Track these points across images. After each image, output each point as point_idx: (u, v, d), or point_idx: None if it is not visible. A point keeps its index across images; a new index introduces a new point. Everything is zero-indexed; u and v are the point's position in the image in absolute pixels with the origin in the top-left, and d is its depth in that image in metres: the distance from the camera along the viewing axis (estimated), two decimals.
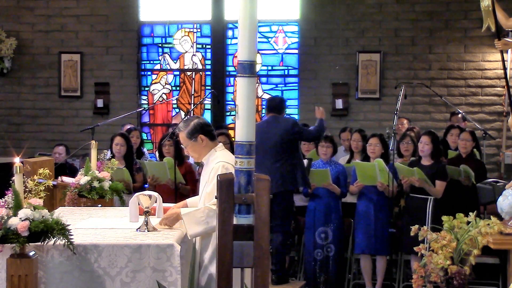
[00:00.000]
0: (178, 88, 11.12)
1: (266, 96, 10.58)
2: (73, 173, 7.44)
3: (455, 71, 10.28)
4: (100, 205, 5.58)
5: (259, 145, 7.15)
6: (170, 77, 11.14)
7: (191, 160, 7.76)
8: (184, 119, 4.87)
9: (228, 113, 10.86)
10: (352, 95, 10.50)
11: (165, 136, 7.69)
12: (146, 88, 11.14)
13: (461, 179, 7.24)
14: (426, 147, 6.93)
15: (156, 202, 4.61)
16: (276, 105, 7.34)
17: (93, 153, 5.87)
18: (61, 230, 3.86)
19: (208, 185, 4.61)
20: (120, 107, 10.66)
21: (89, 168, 5.77)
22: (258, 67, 10.49)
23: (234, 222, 3.24)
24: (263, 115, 10.53)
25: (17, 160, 3.88)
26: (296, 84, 10.81)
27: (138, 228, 4.42)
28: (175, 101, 11.10)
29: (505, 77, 5.93)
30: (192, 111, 10.24)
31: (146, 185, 7.36)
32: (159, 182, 7.26)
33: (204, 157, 4.75)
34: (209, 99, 10.84)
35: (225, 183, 3.24)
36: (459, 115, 9.07)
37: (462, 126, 8.72)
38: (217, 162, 4.61)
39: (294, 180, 7.06)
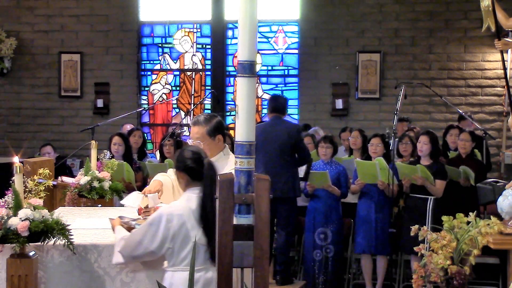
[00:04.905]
0: (178, 88, 11.12)
1: (266, 96, 10.59)
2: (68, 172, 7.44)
3: (455, 71, 10.28)
4: (100, 205, 5.58)
5: (263, 146, 7.08)
6: (170, 77, 11.14)
7: None
8: (204, 114, 4.70)
9: (228, 113, 10.86)
10: (352, 95, 10.50)
11: (166, 136, 7.69)
12: (146, 88, 11.14)
13: (460, 180, 7.24)
14: (424, 147, 6.93)
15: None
16: (279, 106, 7.30)
17: (93, 153, 5.87)
18: (61, 230, 3.86)
19: None
20: (120, 107, 10.65)
21: (89, 168, 5.76)
22: (258, 67, 10.49)
23: (234, 222, 3.24)
24: (263, 115, 10.54)
25: (17, 160, 3.88)
26: (296, 84, 10.81)
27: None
28: (175, 101, 11.10)
29: (505, 77, 5.92)
30: (192, 111, 10.25)
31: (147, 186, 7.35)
32: None
33: (213, 157, 4.51)
34: (209, 99, 10.84)
35: (225, 183, 3.24)
36: (469, 120, 8.84)
37: (471, 129, 8.62)
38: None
39: (294, 188, 7.06)
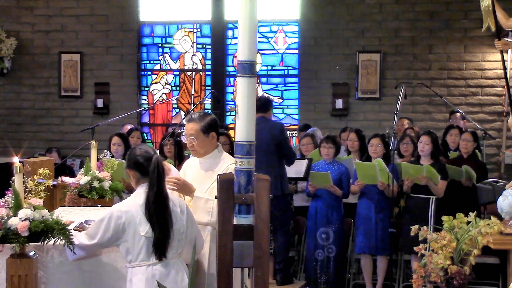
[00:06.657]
0: (178, 88, 11.12)
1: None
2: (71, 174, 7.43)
3: (455, 71, 10.27)
4: (100, 205, 5.58)
5: None
6: (170, 77, 11.14)
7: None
8: (199, 112, 4.72)
9: (228, 113, 10.86)
10: (352, 95, 10.50)
11: (166, 136, 7.69)
12: (146, 88, 11.14)
13: (462, 180, 7.24)
14: (426, 147, 6.93)
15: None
16: (262, 105, 7.27)
17: (93, 153, 5.86)
18: (61, 230, 3.86)
19: None
20: (120, 107, 10.66)
21: (89, 168, 5.76)
22: (258, 67, 10.49)
23: (234, 222, 3.24)
24: None
25: (17, 160, 3.88)
26: (296, 84, 10.80)
27: None
28: (175, 101, 11.10)
29: (505, 77, 5.93)
30: (192, 111, 10.24)
31: None
32: None
33: (207, 155, 4.58)
34: (209, 99, 10.84)
35: (225, 183, 3.24)
36: (458, 114, 9.06)
37: (461, 125, 8.71)
38: (230, 163, 4.52)
39: (281, 186, 7.05)
